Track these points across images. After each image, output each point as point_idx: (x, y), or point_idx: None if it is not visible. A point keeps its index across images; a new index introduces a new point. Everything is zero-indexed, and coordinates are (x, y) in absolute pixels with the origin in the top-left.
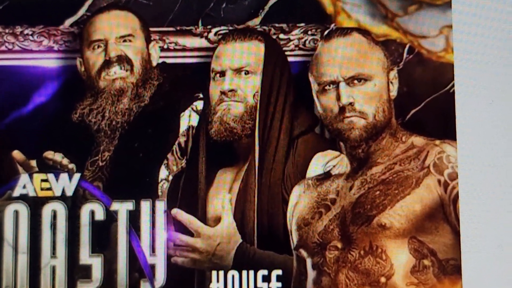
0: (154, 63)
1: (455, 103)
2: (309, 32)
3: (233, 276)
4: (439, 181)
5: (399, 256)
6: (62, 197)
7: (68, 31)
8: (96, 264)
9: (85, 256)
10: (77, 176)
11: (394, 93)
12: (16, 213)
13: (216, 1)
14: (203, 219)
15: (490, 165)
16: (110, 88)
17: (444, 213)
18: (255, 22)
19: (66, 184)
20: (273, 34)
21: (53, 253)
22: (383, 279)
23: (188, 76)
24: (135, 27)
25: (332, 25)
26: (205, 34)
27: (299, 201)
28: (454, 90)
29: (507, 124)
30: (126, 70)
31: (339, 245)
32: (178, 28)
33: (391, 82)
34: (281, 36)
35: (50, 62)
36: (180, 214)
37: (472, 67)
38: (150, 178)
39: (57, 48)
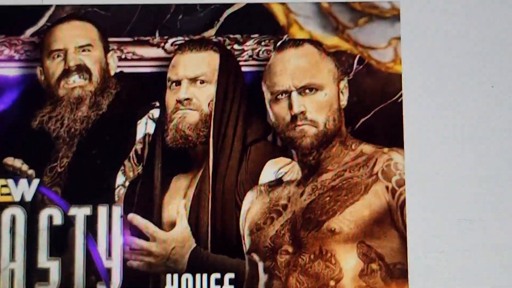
0: (112, 72)
1: (403, 112)
2: (263, 43)
3: (187, 279)
4: (387, 187)
5: (348, 260)
6: (21, 202)
7: (28, 40)
8: (54, 267)
9: (43, 259)
10: (36, 181)
11: (344, 102)
12: None
13: (173, 13)
14: (159, 224)
15: (436, 172)
16: (69, 96)
17: (391, 219)
18: (210, 33)
19: (25, 189)
20: (228, 44)
21: (12, 257)
22: (332, 283)
23: (145, 85)
24: (94, 37)
25: (285, 36)
26: (162, 44)
27: (252, 206)
28: (402, 100)
29: (453, 133)
30: (85, 79)
31: (290, 250)
32: (135, 38)
33: (342, 92)
34: (236, 46)
35: (11, 71)
36: (136, 219)
37: (419, 78)
38: (107, 184)
39: (17, 57)
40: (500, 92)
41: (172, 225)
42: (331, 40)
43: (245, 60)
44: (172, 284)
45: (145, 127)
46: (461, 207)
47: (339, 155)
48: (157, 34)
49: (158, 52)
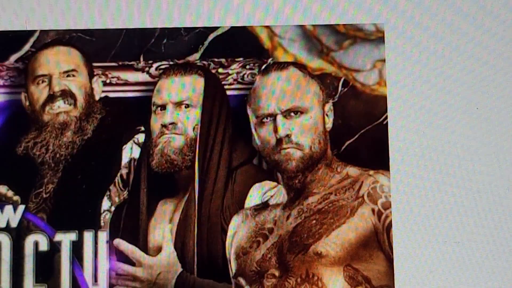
0: (97, 97)
1: (388, 135)
2: (247, 67)
3: None
4: (373, 210)
5: (335, 284)
6: (7, 229)
7: (13, 66)
8: None
9: (29, 286)
10: (21, 208)
11: (329, 125)
12: None
13: (157, 37)
14: (145, 248)
15: (422, 194)
16: (54, 121)
17: (378, 241)
18: (195, 57)
19: (11, 215)
20: (212, 68)
21: None
22: None
23: (130, 110)
24: (78, 62)
25: (270, 60)
26: (146, 68)
27: (238, 230)
28: (387, 122)
29: (438, 155)
30: (70, 104)
31: (277, 273)
32: (120, 63)
33: (327, 115)
34: (220, 70)
35: None
36: (122, 244)
37: (404, 100)
38: (93, 209)
39: (2, 83)
40: (485, 113)
41: (158, 250)
42: (316, 63)
43: (230, 84)
44: None
45: (130, 151)
46: (448, 229)
47: (325, 178)
48: (141, 59)
49: (142, 77)
